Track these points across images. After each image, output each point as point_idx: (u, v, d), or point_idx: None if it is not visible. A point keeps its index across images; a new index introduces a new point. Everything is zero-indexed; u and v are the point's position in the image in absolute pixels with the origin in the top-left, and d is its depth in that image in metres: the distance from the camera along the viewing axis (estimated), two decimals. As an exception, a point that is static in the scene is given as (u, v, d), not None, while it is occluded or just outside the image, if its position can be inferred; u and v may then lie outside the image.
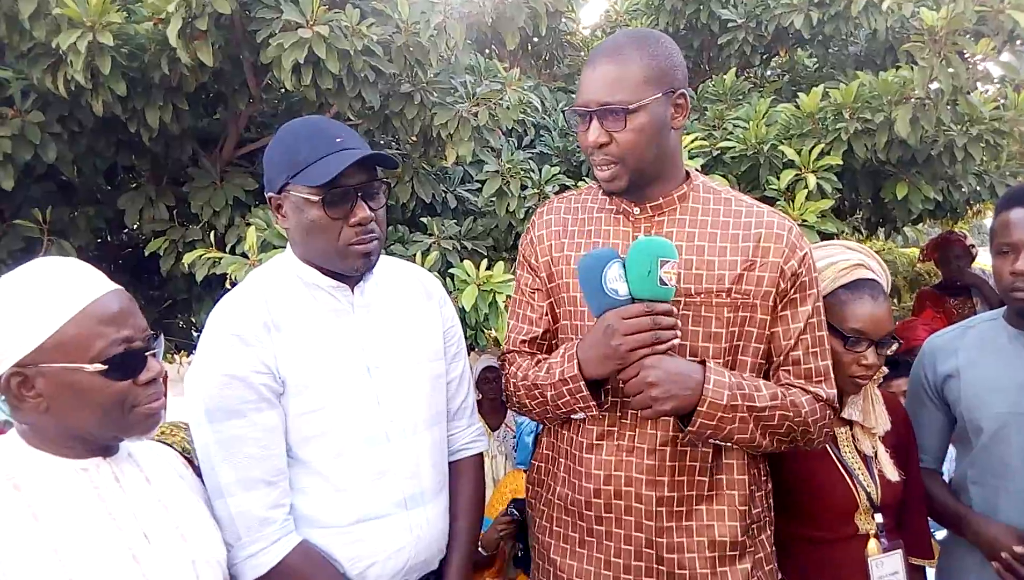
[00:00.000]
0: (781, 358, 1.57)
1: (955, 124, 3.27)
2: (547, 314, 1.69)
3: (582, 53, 5.01)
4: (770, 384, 1.53)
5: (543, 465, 1.72)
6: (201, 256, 2.81)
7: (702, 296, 1.52)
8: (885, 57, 4.27)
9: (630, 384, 1.43)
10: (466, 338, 1.91)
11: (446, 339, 1.72)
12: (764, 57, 4.72)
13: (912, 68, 3.06)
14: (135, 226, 3.33)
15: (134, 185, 3.30)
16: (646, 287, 1.40)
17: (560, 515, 1.64)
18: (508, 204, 3.16)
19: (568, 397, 1.53)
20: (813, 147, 3.12)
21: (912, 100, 3.04)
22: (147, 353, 1.21)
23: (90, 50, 2.37)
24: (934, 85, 3.01)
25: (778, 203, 2.99)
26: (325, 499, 1.50)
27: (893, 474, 1.78)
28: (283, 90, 3.38)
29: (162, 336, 1.28)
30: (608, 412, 1.56)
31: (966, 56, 3.06)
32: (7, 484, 1.14)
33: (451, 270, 2.90)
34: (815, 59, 4.71)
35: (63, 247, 2.96)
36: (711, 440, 1.50)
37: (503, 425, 3.64)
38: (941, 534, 2.05)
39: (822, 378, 1.58)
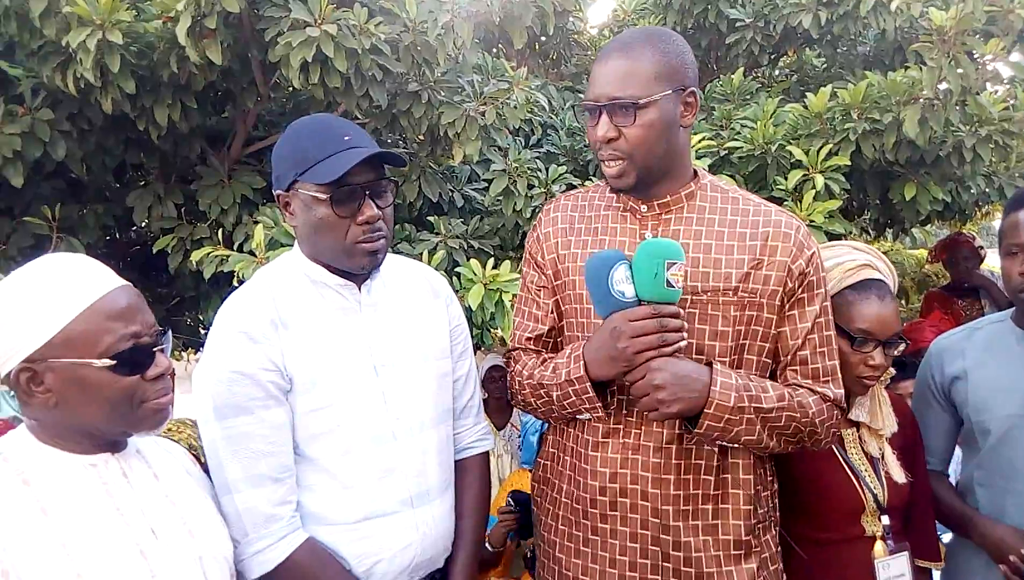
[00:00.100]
0: (788, 358, 1.56)
1: (964, 125, 3.25)
2: (553, 311, 1.69)
3: (589, 52, 5.01)
4: (777, 385, 1.53)
5: (548, 463, 1.72)
6: (209, 254, 2.82)
7: (709, 294, 1.52)
8: (894, 57, 4.25)
9: (637, 386, 1.43)
10: (472, 337, 1.92)
11: (452, 337, 1.72)
12: (772, 57, 4.71)
13: (921, 68, 3.04)
14: (143, 224, 3.34)
15: (143, 183, 3.31)
16: (653, 289, 1.40)
17: (565, 513, 1.64)
18: (515, 203, 3.16)
19: (574, 398, 1.53)
20: (821, 147, 3.11)
21: (921, 100, 3.02)
22: (155, 349, 1.21)
23: (100, 48, 2.38)
24: (943, 85, 2.99)
25: (786, 203, 2.98)
26: (332, 496, 1.50)
27: (900, 476, 1.77)
28: (291, 88, 3.39)
29: (170, 332, 1.28)
30: (614, 410, 1.56)
31: (975, 56, 3.04)
32: (16, 479, 1.15)
33: (457, 269, 2.90)
34: (823, 59, 4.70)
35: (72, 244, 2.97)
36: (718, 441, 1.50)
37: (509, 424, 3.64)
38: (947, 537, 2.05)
39: (829, 378, 1.57)
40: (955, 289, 4.66)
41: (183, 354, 4.69)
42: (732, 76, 4.00)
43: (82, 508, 1.16)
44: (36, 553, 1.10)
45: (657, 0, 4.75)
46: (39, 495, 1.14)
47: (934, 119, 3.03)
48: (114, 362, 1.15)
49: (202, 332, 4.26)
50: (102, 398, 1.16)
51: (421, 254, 2.86)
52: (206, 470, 1.46)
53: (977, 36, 2.94)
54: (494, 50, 4.01)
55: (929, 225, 5.16)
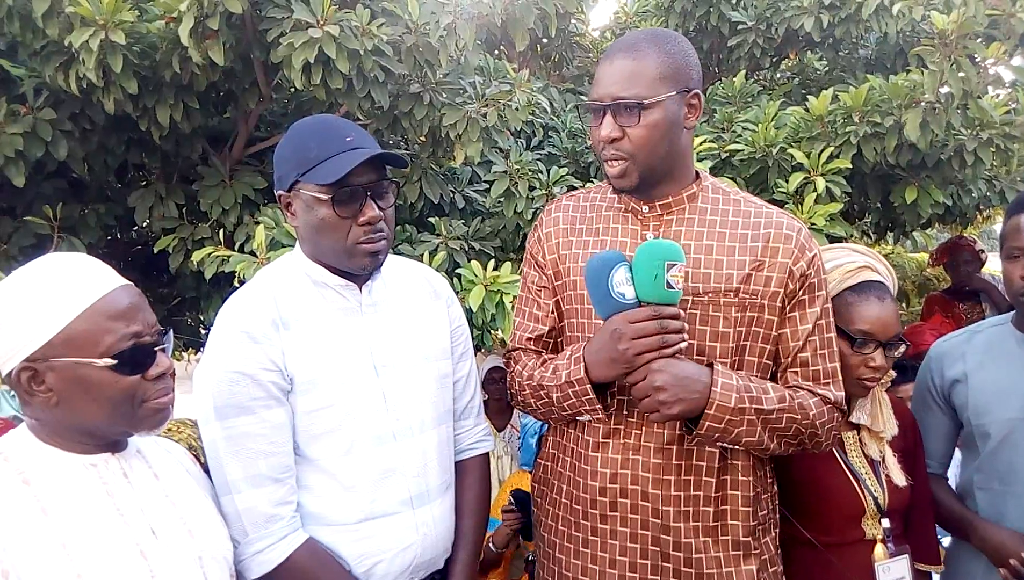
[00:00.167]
0: (789, 359, 1.56)
1: (965, 128, 3.25)
2: (553, 312, 1.69)
3: (591, 54, 5.01)
4: (778, 387, 1.53)
5: (548, 464, 1.72)
6: (210, 254, 2.82)
7: (710, 295, 1.52)
8: (895, 60, 4.25)
9: (637, 388, 1.43)
10: (472, 338, 1.92)
11: (453, 338, 1.72)
12: (774, 60, 4.71)
13: (922, 72, 3.04)
14: (145, 224, 3.35)
15: (144, 183, 3.31)
16: (653, 291, 1.40)
17: (565, 514, 1.64)
18: (516, 205, 3.16)
19: (574, 399, 1.53)
20: (822, 150, 3.11)
21: (922, 104, 3.02)
22: (156, 348, 1.21)
23: (102, 48, 2.38)
24: (944, 89, 3.00)
25: (787, 206, 2.97)
26: (332, 497, 1.50)
27: (900, 479, 1.77)
28: (293, 89, 3.39)
29: (171, 332, 1.28)
30: (614, 411, 1.56)
31: (977, 60, 3.04)
32: (16, 478, 1.15)
33: (458, 270, 2.90)
34: (825, 62, 4.70)
35: (73, 244, 2.98)
36: (719, 443, 1.50)
37: (509, 426, 3.64)
38: (947, 540, 2.04)
39: (830, 380, 1.58)
40: (956, 293, 4.65)
41: (184, 354, 4.70)
42: (734, 79, 4.00)
43: (82, 508, 1.16)
44: (36, 553, 1.10)
45: (659, 2, 4.76)
46: (39, 495, 1.14)
47: (935, 122, 3.03)
48: (115, 362, 1.15)
49: (203, 332, 4.27)
50: (103, 398, 1.16)
51: (422, 255, 2.86)
52: (206, 470, 1.46)
53: (979, 40, 2.94)
54: (496, 52, 4.02)
55: (930, 229, 5.15)
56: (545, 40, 4.59)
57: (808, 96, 3.55)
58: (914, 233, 4.69)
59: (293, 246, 1.64)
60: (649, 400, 1.42)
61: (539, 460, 1.78)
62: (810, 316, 1.55)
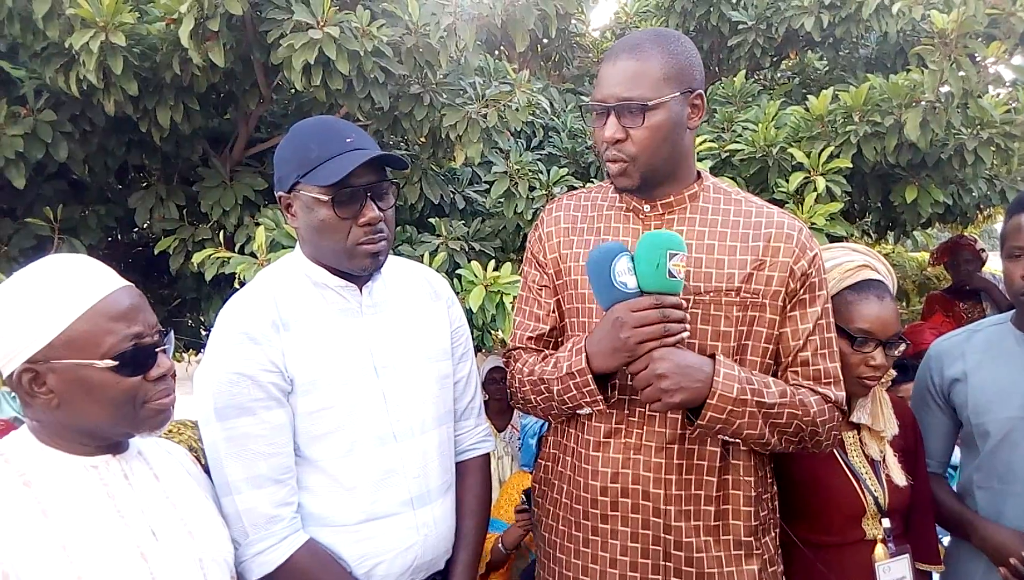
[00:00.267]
0: (789, 359, 1.57)
1: (965, 128, 3.25)
2: (554, 311, 1.69)
3: (591, 55, 5.01)
4: (779, 382, 1.53)
5: (549, 464, 1.72)
6: (210, 256, 2.82)
7: (711, 295, 1.52)
8: (895, 60, 4.25)
9: (639, 377, 1.43)
10: (473, 339, 1.92)
11: (454, 339, 1.72)
12: (774, 59, 4.71)
13: (922, 71, 3.04)
14: (145, 225, 3.35)
15: (144, 184, 3.31)
16: (655, 280, 1.40)
17: (566, 514, 1.64)
18: (516, 205, 3.16)
19: (575, 391, 1.53)
20: (822, 150, 3.11)
21: (922, 103, 3.02)
22: (158, 349, 1.22)
23: (102, 50, 2.38)
24: (944, 88, 2.99)
25: (787, 206, 2.97)
26: (332, 498, 1.50)
27: (901, 479, 1.77)
28: (293, 90, 3.39)
29: (172, 333, 1.28)
30: (615, 410, 1.56)
31: (977, 59, 3.04)
32: (17, 480, 1.15)
33: (459, 271, 2.90)
34: (825, 61, 4.70)
35: (74, 245, 2.98)
36: (720, 435, 1.50)
37: (509, 426, 3.64)
38: (947, 539, 2.04)
39: (831, 380, 1.58)
40: (957, 292, 4.65)
41: (184, 355, 4.70)
42: (734, 78, 3.99)
43: (83, 510, 1.16)
44: (36, 555, 1.10)
45: (659, 2, 4.76)
46: (40, 496, 1.14)
47: (935, 122, 3.03)
48: (116, 363, 1.16)
49: (203, 333, 4.27)
50: (104, 399, 1.16)
51: (422, 256, 2.86)
52: (207, 471, 1.46)
53: (979, 39, 2.94)
54: (496, 52, 4.01)
55: (930, 228, 5.15)
56: (545, 40, 4.59)
57: (808, 96, 3.55)
58: (914, 232, 4.69)
59: (293, 247, 1.64)
60: (651, 389, 1.42)
61: (539, 460, 1.78)
62: (811, 315, 1.55)
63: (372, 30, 2.56)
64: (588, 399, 1.52)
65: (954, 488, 2.01)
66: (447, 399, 1.68)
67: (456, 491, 1.70)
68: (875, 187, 3.70)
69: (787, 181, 3.08)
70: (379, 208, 1.49)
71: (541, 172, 3.29)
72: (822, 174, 3.03)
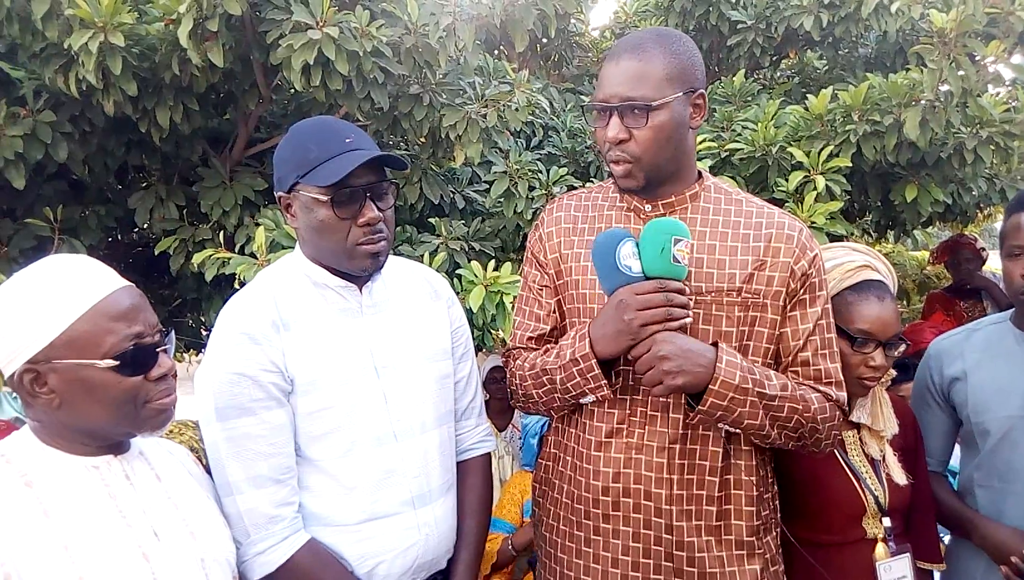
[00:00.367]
0: (790, 359, 1.56)
1: (965, 127, 3.25)
2: (555, 311, 1.68)
3: (591, 54, 5.01)
4: (780, 375, 1.53)
5: (550, 464, 1.72)
6: (210, 256, 2.83)
7: (712, 295, 1.52)
8: (895, 59, 4.25)
9: (642, 360, 1.43)
10: (473, 339, 1.92)
11: (454, 339, 1.72)
12: (773, 59, 4.71)
13: (922, 70, 3.05)
14: (145, 225, 3.35)
15: (144, 185, 3.31)
16: (660, 264, 1.41)
17: (567, 514, 1.64)
18: (516, 205, 3.16)
19: (578, 378, 1.52)
20: (822, 149, 3.11)
21: (922, 102, 3.02)
22: (158, 349, 1.22)
23: (102, 51, 2.38)
24: (944, 87, 3.00)
25: (787, 205, 2.97)
26: (333, 498, 1.50)
27: (901, 478, 1.77)
28: (293, 91, 3.39)
29: (173, 333, 1.29)
30: (617, 409, 1.56)
31: (976, 58, 3.04)
32: (19, 481, 1.15)
33: (459, 271, 2.90)
34: (825, 61, 4.70)
35: (74, 246, 2.98)
36: (720, 423, 1.50)
37: (510, 426, 3.64)
38: (948, 538, 2.04)
39: (831, 380, 1.57)
40: (957, 291, 4.66)
41: (185, 356, 4.70)
42: (733, 78, 4.00)
43: (84, 510, 1.17)
44: (38, 555, 1.10)
45: (659, 2, 4.76)
46: (41, 497, 1.14)
47: (935, 121, 3.03)
48: (117, 363, 1.16)
49: (204, 334, 4.27)
50: (105, 399, 1.16)
51: (422, 256, 2.86)
52: (208, 471, 1.46)
53: (978, 38, 2.94)
54: (495, 52, 4.02)
55: (930, 227, 5.15)
56: (545, 40, 4.59)
57: (808, 95, 3.55)
58: (914, 231, 4.69)
59: (293, 248, 1.64)
60: (653, 371, 1.41)
61: (540, 460, 1.78)
62: (811, 315, 1.55)
63: (371, 30, 2.56)
64: (592, 385, 1.51)
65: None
66: (447, 399, 1.68)
67: (457, 491, 1.70)
68: (875, 186, 3.70)
69: (787, 180, 3.08)
70: (378, 208, 1.49)
71: (541, 172, 3.29)
72: (822, 173, 3.03)
